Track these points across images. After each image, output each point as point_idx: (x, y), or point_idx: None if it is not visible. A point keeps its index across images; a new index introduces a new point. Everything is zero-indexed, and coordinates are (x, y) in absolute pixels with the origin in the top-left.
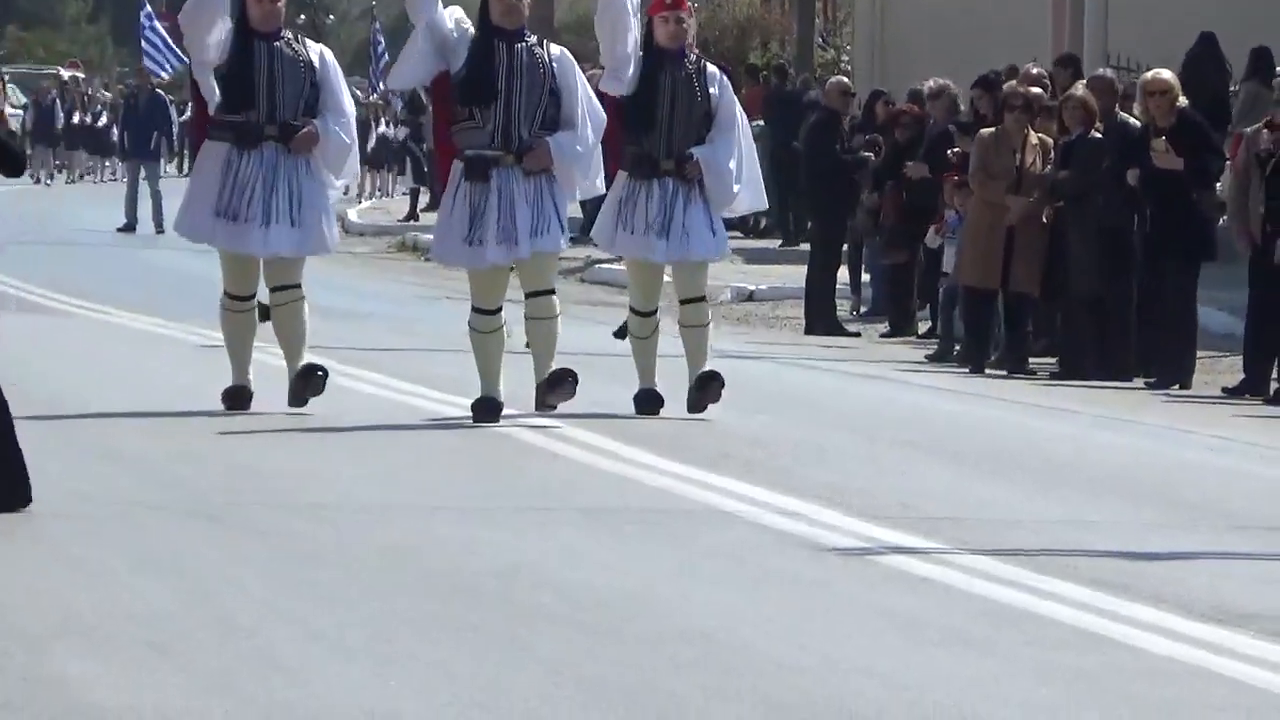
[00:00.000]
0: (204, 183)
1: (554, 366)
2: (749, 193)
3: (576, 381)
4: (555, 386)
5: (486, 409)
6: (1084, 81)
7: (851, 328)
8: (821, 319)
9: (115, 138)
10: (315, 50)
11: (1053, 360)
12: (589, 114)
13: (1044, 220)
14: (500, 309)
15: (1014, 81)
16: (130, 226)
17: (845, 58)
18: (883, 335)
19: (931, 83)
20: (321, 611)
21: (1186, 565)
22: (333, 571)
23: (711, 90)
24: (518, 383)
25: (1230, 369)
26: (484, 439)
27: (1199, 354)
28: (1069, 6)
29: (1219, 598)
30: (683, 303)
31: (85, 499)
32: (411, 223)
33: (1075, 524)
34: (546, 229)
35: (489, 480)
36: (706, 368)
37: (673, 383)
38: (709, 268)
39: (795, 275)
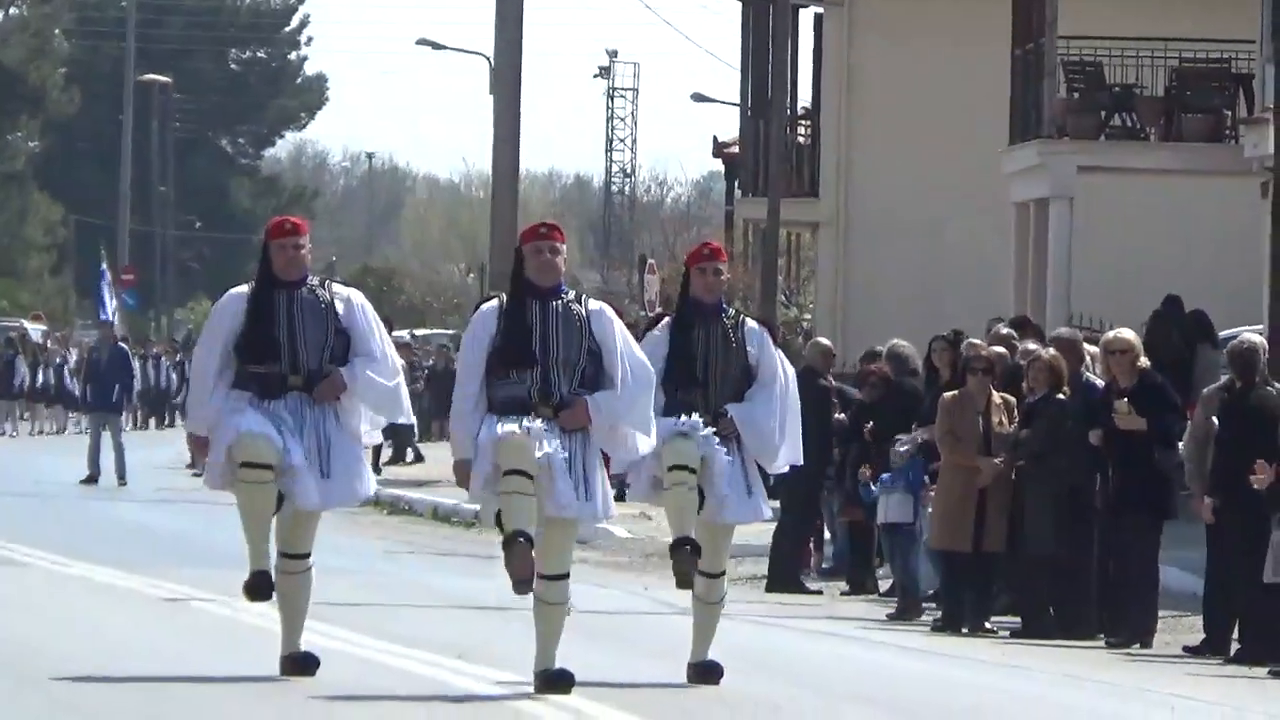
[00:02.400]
0: (224, 428)
1: (556, 662)
2: (787, 449)
3: (573, 684)
4: (553, 686)
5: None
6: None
7: (812, 585)
8: (784, 577)
9: (77, 391)
10: (343, 295)
11: (1014, 619)
12: (633, 368)
13: (1011, 478)
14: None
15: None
16: (93, 478)
17: (808, 316)
18: (843, 593)
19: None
20: None
21: None
22: None
23: (750, 347)
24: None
25: (1191, 628)
26: (442, 693)
27: (1160, 613)
28: (1032, 266)
29: None
30: (699, 574)
31: None
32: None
33: None
34: (587, 496)
35: None
36: (708, 657)
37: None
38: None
39: (756, 531)
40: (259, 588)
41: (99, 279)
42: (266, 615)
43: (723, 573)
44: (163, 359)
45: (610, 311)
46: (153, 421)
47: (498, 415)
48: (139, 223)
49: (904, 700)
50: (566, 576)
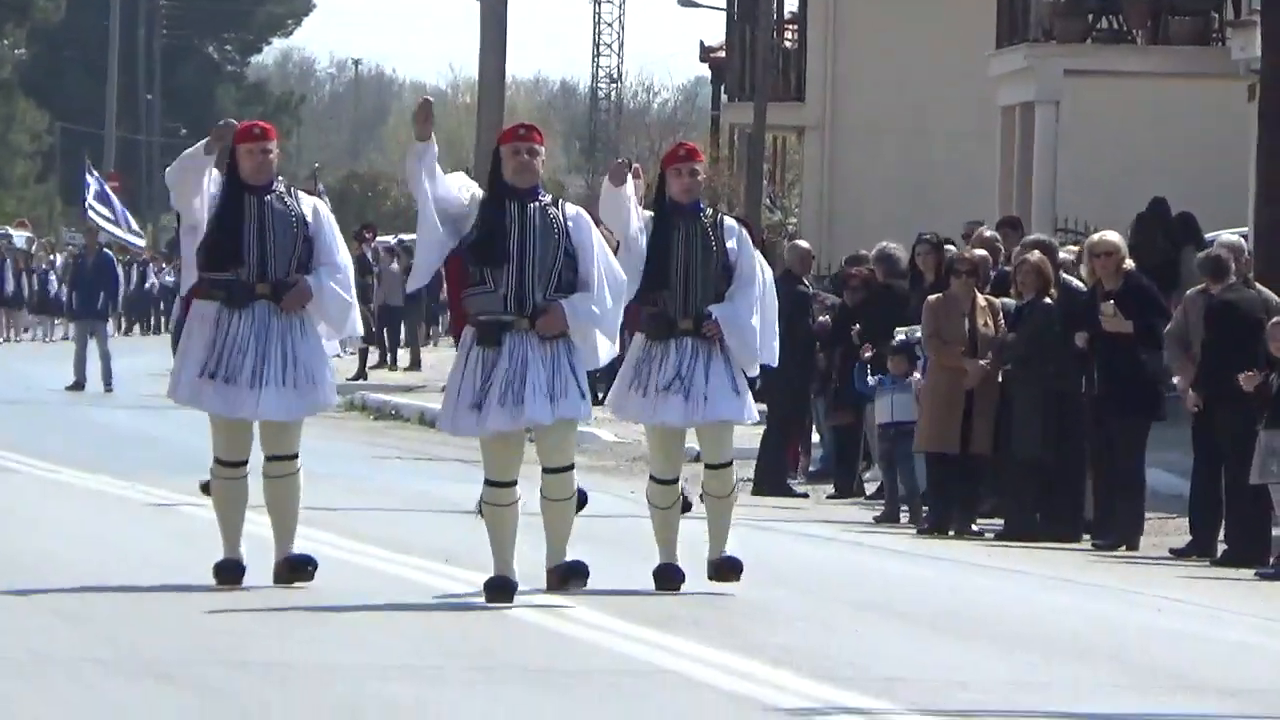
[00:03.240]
0: (193, 344)
1: (569, 555)
2: (766, 350)
3: (588, 576)
4: (567, 580)
5: (500, 589)
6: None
7: (799, 489)
8: (771, 480)
9: (63, 298)
10: (309, 203)
11: (998, 521)
12: (606, 275)
13: (998, 381)
14: (515, 483)
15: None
16: (79, 385)
17: (793, 220)
18: (829, 497)
19: (876, 248)
20: None
21: None
22: None
23: (729, 244)
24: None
25: (1178, 530)
26: (430, 598)
27: (1148, 515)
28: (1018, 169)
29: None
30: (706, 468)
31: (33, 655)
32: (360, 381)
33: (1026, 685)
34: (565, 393)
35: (439, 640)
36: (726, 552)
37: (623, 548)
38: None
39: (743, 435)
40: (229, 572)
41: (84, 187)
42: (257, 521)
43: (729, 463)
44: (149, 265)
45: (587, 217)
46: (138, 328)
47: (475, 335)
48: (125, 130)
49: (893, 603)
50: (571, 468)
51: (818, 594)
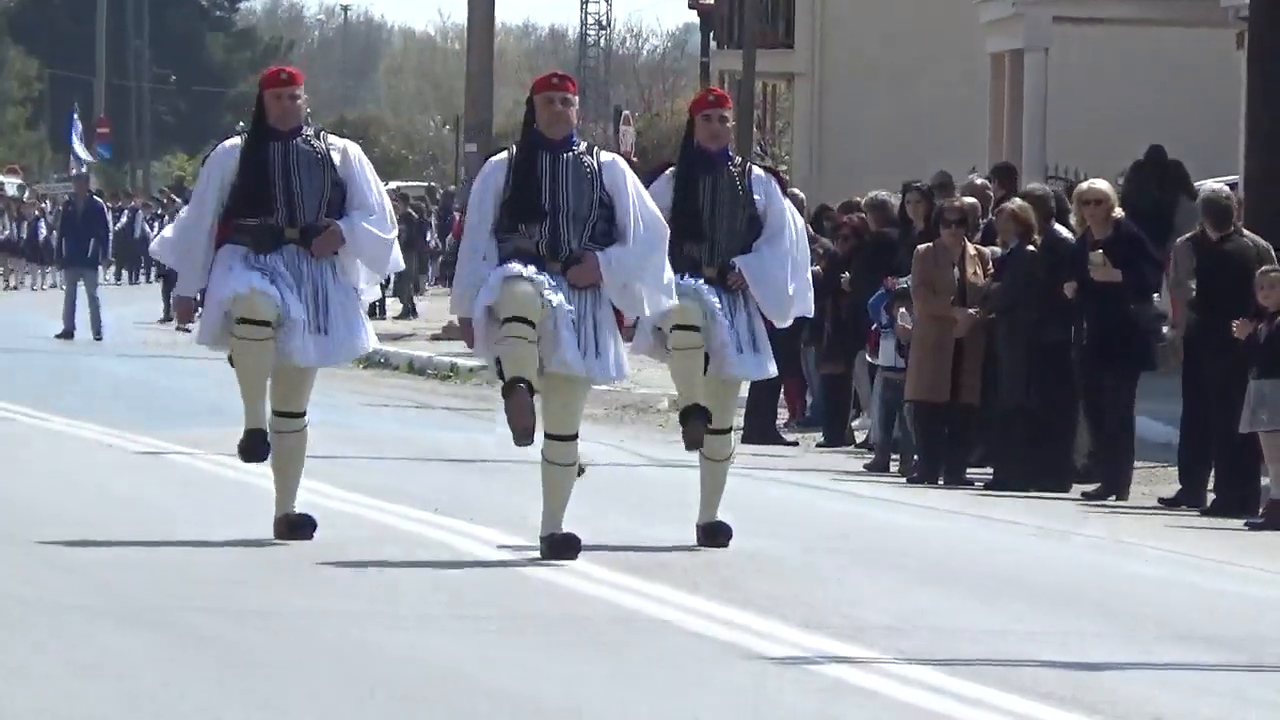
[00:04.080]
0: (218, 283)
1: (564, 527)
2: (799, 302)
3: (580, 547)
4: (559, 551)
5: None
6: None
7: (788, 436)
8: (760, 428)
9: (53, 245)
10: (339, 146)
11: (989, 471)
12: (645, 223)
13: (984, 331)
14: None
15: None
16: (69, 333)
17: (784, 167)
18: (819, 445)
19: (869, 195)
20: None
21: (1124, 675)
22: (270, 679)
23: (756, 196)
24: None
25: (1167, 479)
26: (419, 547)
27: (1137, 464)
28: (1008, 117)
29: (1157, 708)
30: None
31: (22, 603)
32: None
33: (1014, 634)
34: (596, 353)
35: (424, 587)
36: (717, 517)
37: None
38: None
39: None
40: (254, 448)
41: (70, 130)
42: (248, 469)
43: (730, 429)
44: (140, 212)
45: (623, 164)
46: (127, 275)
47: (511, 254)
48: (115, 76)
49: (882, 552)
50: (575, 437)
51: (806, 543)
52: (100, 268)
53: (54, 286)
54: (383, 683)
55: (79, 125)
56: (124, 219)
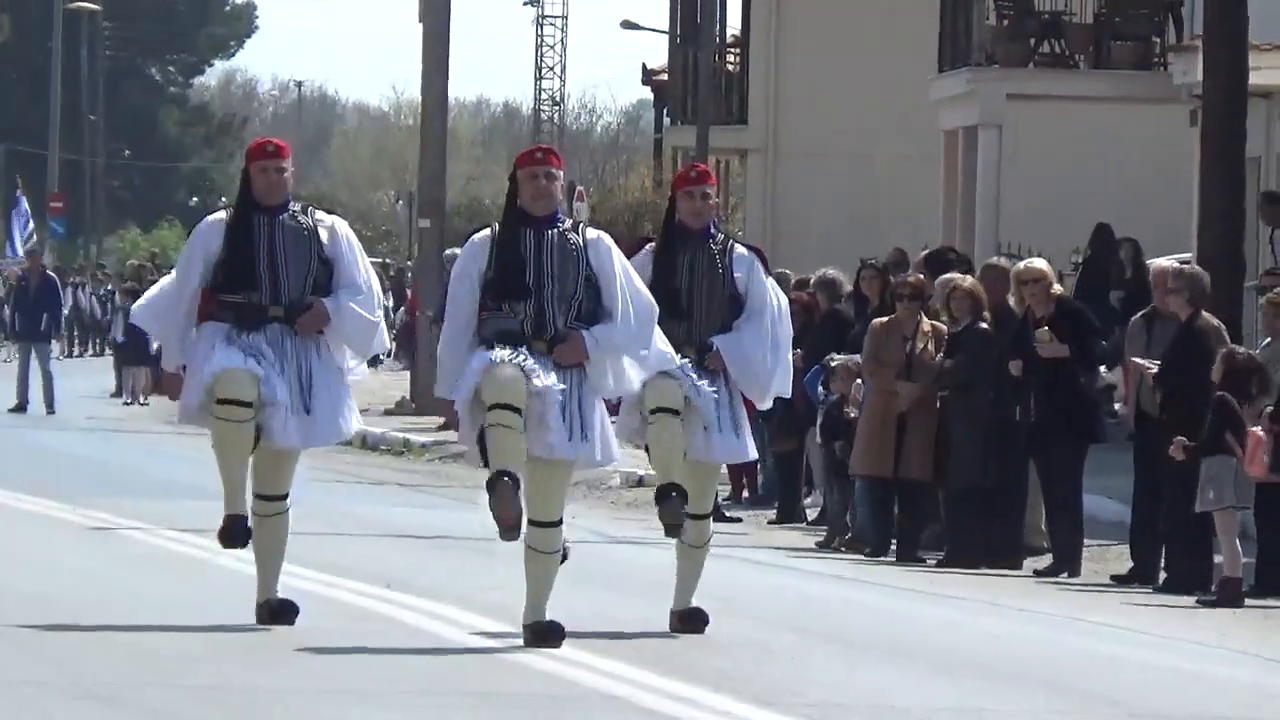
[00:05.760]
0: (200, 361)
1: (547, 615)
2: (779, 382)
3: (565, 635)
4: (544, 639)
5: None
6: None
7: (731, 514)
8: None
9: (5, 319)
10: (326, 223)
11: (938, 552)
12: (633, 301)
13: (936, 406)
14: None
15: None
16: (21, 407)
17: None
18: (770, 522)
19: (819, 273)
20: None
21: None
22: None
23: (737, 274)
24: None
25: (1120, 556)
26: (377, 623)
27: (1088, 542)
28: (961, 193)
29: None
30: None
31: None
32: None
33: (965, 711)
34: (583, 436)
35: (379, 664)
36: (692, 603)
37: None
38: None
39: None
40: (235, 533)
41: (10, 209)
42: (203, 544)
43: (709, 514)
44: (86, 286)
45: (609, 240)
46: (78, 348)
47: (494, 338)
48: (69, 151)
49: (834, 628)
50: (559, 524)
51: (759, 619)
52: (54, 342)
53: (6, 361)
54: None
55: (24, 204)
56: (81, 295)
